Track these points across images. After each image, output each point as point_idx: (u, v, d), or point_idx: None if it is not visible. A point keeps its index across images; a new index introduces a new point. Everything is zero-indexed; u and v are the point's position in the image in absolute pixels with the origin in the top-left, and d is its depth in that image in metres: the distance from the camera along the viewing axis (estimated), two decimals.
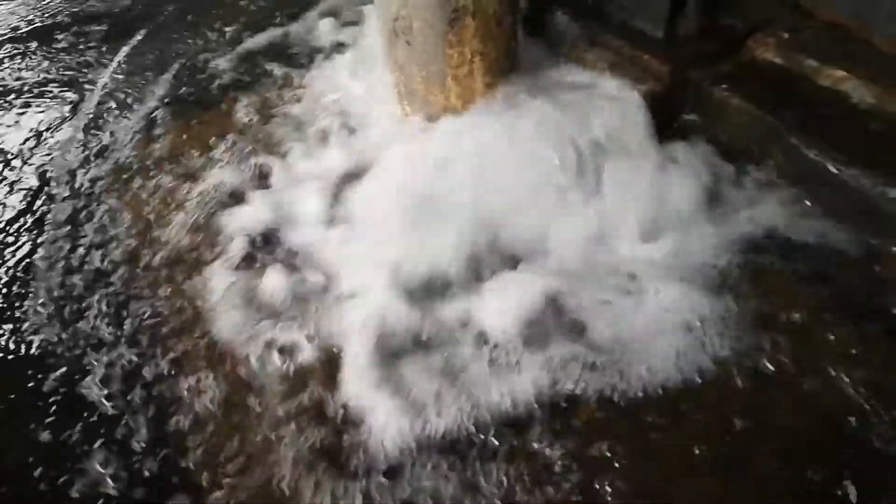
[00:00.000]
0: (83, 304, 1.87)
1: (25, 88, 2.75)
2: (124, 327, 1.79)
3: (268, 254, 1.92)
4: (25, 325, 1.84)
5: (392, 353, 1.61)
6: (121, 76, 2.76)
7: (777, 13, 1.96)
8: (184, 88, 2.61)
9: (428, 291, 1.73)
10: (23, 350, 1.78)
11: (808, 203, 1.73)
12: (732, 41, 1.98)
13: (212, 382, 1.63)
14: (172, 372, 1.67)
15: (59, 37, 3.05)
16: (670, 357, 1.52)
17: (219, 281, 1.85)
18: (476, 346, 1.61)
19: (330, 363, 1.63)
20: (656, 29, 2.01)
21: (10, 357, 1.77)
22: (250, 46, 2.76)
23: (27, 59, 2.94)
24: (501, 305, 1.67)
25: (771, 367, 1.49)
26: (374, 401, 1.53)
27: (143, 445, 1.54)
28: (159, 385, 1.65)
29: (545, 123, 1.83)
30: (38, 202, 2.21)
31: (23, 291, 1.94)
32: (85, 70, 2.81)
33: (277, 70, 2.59)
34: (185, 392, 1.62)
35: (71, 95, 2.68)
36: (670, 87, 1.93)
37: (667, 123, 1.97)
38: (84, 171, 2.30)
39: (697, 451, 1.39)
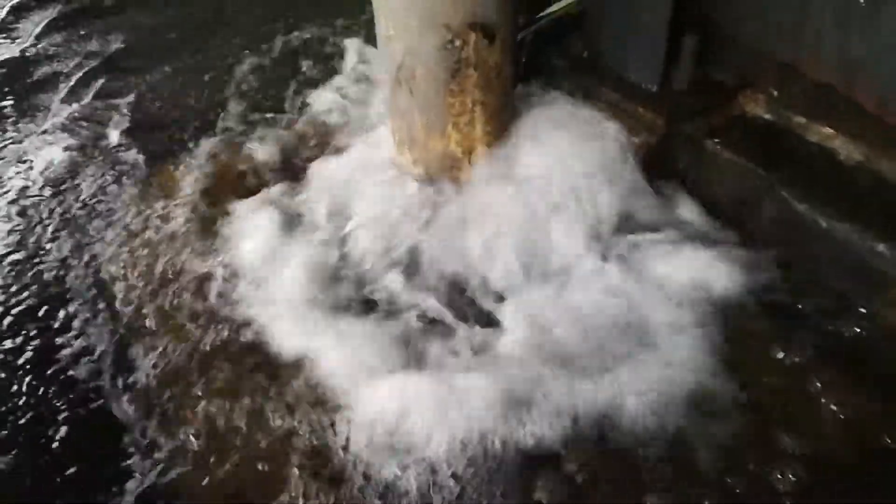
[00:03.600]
0: None
1: None
2: None
3: None
4: None
5: None
6: None
7: (765, 70, 2.03)
8: None
9: None
10: None
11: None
12: (723, 96, 2.05)
13: None
14: None
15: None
16: None
17: None
18: None
19: None
20: (651, 83, 2.08)
21: None
22: None
23: None
24: None
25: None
26: None
27: None
28: None
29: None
30: None
31: None
32: None
33: None
34: None
35: None
36: (664, 138, 1.99)
37: (660, 173, 2.02)
38: None
39: None
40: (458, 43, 1.87)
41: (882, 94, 1.80)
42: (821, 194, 1.73)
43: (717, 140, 1.95)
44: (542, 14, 2.43)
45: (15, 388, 1.75)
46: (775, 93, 1.99)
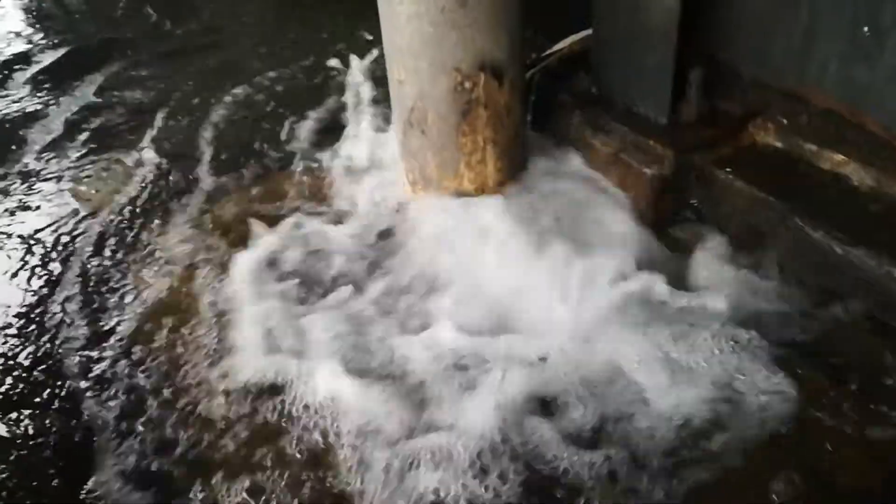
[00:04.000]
0: None
1: None
2: None
3: None
4: None
5: None
6: None
7: (772, 99, 2.06)
8: None
9: None
10: None
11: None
12: (732, 126, 2.07)
13: None
14: None
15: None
16: None
17: None
18: None
19: None
20: (660, 115, 2.11)
21: None
22: None
23: None
24: None
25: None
26: None
27: None
28: None
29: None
30: None
31: None
32: None
33: None
34: None
35: None
36: (675, 170, 2.00)
37: (673, 205, 2.04)
38: None
39: None
40: (468, 85, 1.92)
41: (889, 120, 1.82)
42: (835, 221, 1.73)
43: (728, 170, 1.96)
44: (548, 52, 2.49)
45: None
46: (784, 121, 2.01)
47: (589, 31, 2.31)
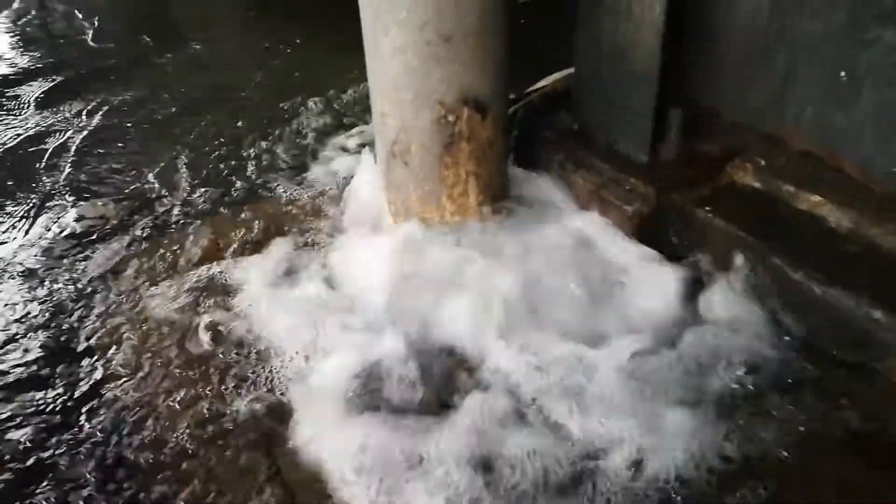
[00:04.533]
0: None
1: None
2: None
3: None
4: None
5: None
6: None
7: (750, 140, 2.09)
8: None
9: None
10: None
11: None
12: (711, 166, 2.09)
13: None
14: None
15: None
16: None
17: None
18: None
19: None
20: (640, 153, 2.13)
21: None
22: None
23: None
24: None
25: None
26: None
27: None
28: None
29: None
30: None
31: None
32: None
33: None
34: None
35: None
36: (656, 208, 2.02)
37: (653, 243, 2.04)
38: None
39: None
40: (451, 118, 1.92)
41: (864, 163, 1.85)
42: (814, 261, 1.74)
43: (708, 209, 1.98)
44: (531, 89, 2.52)
45: None
46: (762, 162, 2.04)
47: (571, 70, 2.35)
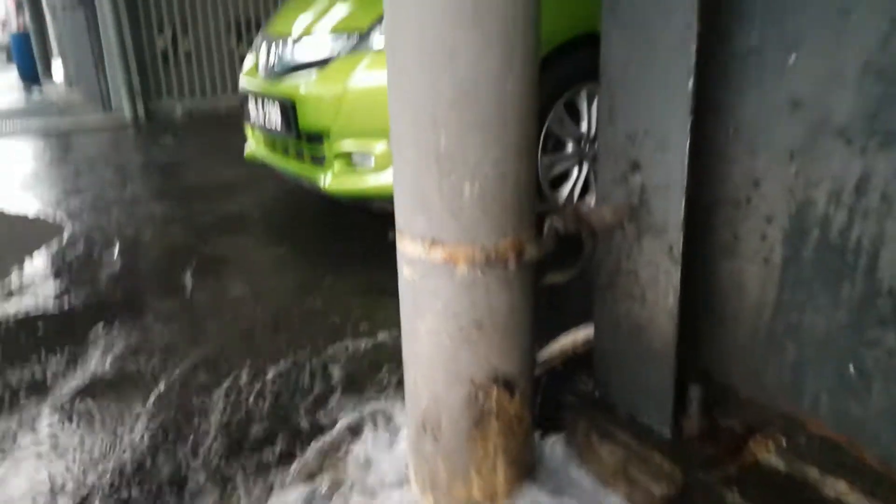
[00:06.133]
0: None
1: None
2: None
3: None
4: None
5: None
6: None
7: (770, 419, 2.15)
8: None
9: None
10: None
11: None
12: (733, 443, 2.14)
13: None
14: None
15: None
16: None
17: None
18: None
19: None
20: (663, 427, 2.18)
21: None
22: None
23: None
24: None
25: None
26: None
27: None
28: None
29: None
30: None
31: None
32: None
33: None
34: None
35: None
36: (683, 488, 2.02)
37: None
38: None
39: None
40: (481, 395, 2.02)
41: (886, 454, 1.89)
42: None
43: (736, 490, 1.98)
44: (552, 351, 2.65)
45: None
46: (784, 441, 2.08)
47: (590, 328, 2.48)
